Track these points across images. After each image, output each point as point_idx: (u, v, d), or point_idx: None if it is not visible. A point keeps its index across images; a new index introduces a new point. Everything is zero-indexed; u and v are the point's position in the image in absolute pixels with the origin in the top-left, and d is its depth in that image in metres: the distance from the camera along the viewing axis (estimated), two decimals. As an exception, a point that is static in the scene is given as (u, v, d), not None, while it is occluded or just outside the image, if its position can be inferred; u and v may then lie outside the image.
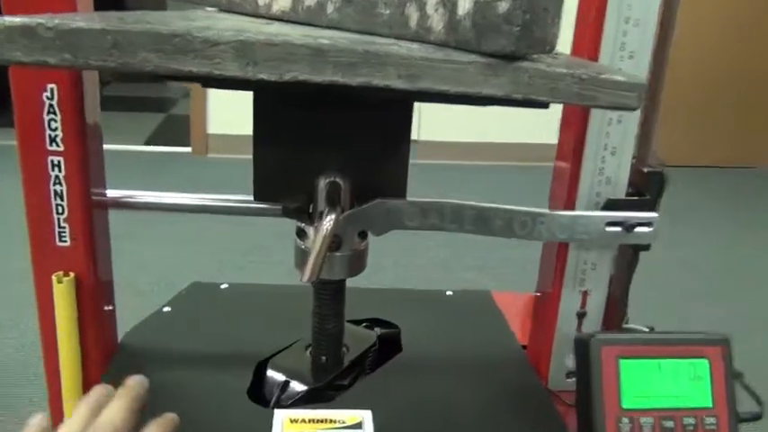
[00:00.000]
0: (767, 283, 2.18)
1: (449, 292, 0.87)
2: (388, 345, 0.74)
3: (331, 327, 0.67)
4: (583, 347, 0.57)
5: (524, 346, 0.75)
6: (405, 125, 0.61)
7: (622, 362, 0.57)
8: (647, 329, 0.73)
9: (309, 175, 0.61)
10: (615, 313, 0.68)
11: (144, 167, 2.99)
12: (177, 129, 3.69)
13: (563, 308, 0.67)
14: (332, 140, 0.61)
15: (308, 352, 0.70)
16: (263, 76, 0.44)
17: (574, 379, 0.69)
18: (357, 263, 0.64)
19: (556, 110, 0.56)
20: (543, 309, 0.70)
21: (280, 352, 0.70)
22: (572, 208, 0.63)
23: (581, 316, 0.67)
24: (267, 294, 0.84)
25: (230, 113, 3.24)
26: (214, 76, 0.43)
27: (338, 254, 0.62)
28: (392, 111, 0.60)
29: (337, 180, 0.61)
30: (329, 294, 0.66)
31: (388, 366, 0.69)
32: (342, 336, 0.68)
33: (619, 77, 0.47)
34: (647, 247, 0.64)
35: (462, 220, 0.61)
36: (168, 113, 4.19)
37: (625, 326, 0.70)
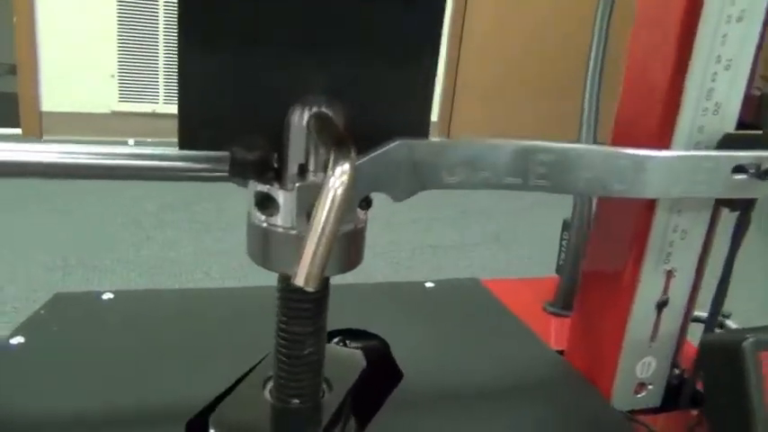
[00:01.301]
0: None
1: (429, 284, 0.64)
2: (381, 370, 0.50)
3: (308, 353, 0.42)
4: (727, 357, 0.38)
5: (560, 352, 0.54)
6: (434, 19, 0.38)
7: (787, 374, 0.37)
8: (727, 316, 0.55)
9: (277, 105, 0.36)
10: (693, 301, 0.50)
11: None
12: (1, 108, 3.12)
13: (641, 296, 0.47)
14: (313, 45, 0.36)
15: (266, 392, 0.44)
16: None
17: (643, 395, 0.50)
18: (355, 248, 0.40)
19: None
20: (600, 299, 0.50)
21: (223, 396, 0.44)
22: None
23: (661, 306, 0.48)
24: (178, 304, 0.57)
25: (68, 87, 2.77)
26: None
27: (329, 234, 0.37)
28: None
29: (324, 111, 0.36)
30: (310, 302, 0.41)
31: (393, 404, 0.46)
32: (322, 365, 0.44)
33: None
34: (753, 204, 0.45)
35: (529, 170, 0.38)
36: (-12, 91, 3.56)
37: (697, 315, 0.52)
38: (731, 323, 0.53)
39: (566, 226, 0.65)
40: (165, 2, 2.79)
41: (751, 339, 0.37)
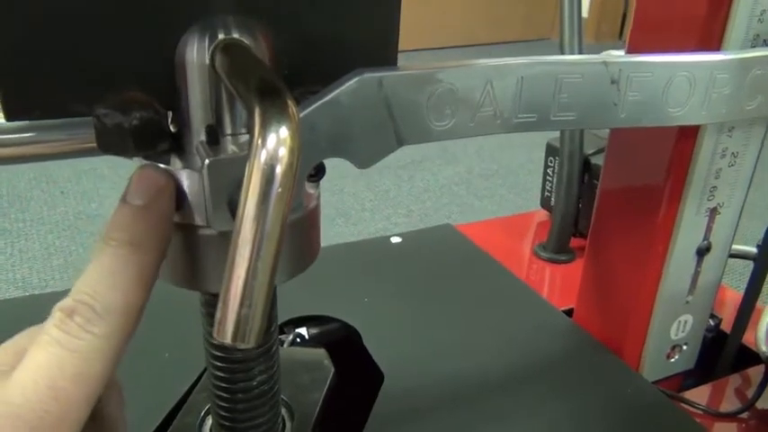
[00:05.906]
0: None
1: (395, 239, 0.52)
2: (353, 372, 0.38)
3: (258, 383, 0.30)
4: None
5: (568, 313, 0.44)
6: None
7: None
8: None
9: (160, 34, 0.22)
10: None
11: None
12: None
13: (679, 241, 0.36)
14: None
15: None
16: None
17: (676, 358, 0.41)
18: (307, 241, 0.27)
19: None
20: (623, 248, 0.39)
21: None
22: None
23: (703, 252, 0.38)
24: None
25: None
26: None
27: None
28: None
29: (237, 38, 0.23)
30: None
31: (377, 420, 0.35)
32: (279, 394, 0.32)
33: None
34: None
35: (551, 101, 0.26)
36: None
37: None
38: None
39: (551, 150, 0.54)
40: None
41: None
